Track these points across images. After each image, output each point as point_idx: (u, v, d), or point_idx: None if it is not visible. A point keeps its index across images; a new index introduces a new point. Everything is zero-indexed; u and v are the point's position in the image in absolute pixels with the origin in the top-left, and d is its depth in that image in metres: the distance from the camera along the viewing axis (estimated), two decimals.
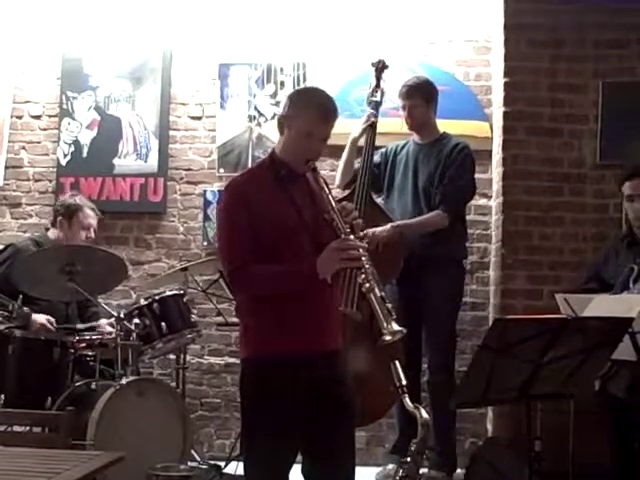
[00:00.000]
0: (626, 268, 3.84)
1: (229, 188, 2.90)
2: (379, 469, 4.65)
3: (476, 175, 4.80)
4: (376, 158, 4.71)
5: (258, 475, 2.83)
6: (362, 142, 4.71)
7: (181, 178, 5.52)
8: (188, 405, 4.80)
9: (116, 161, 5.50)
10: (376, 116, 4.69)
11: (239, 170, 5.02)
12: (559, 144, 4.85)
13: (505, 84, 4.88)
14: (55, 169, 5.54)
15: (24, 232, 5.48)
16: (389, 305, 2.64)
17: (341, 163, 4.79)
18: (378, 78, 4.74)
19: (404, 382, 2.57)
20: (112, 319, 4.36)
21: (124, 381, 4.05)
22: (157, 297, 4.52)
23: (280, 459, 2.80)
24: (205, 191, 5.46)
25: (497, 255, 5.01)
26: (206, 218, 5.41)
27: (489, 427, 5.07)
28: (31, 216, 5.58)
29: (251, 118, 5.46)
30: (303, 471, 2.88)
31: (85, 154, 5.52)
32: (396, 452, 4.51)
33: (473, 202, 5.13)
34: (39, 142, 5.60)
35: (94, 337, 4.40)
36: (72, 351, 4.26)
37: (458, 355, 4.78)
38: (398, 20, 5.33)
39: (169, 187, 5.49)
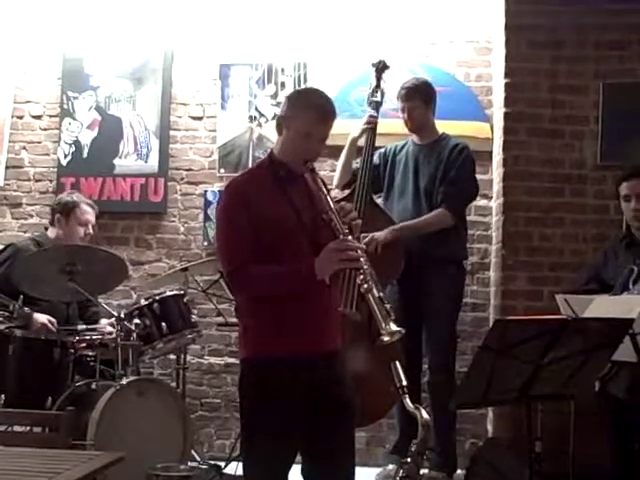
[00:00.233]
0: (626, 269, 3.84)
1: (228, 188, 2.90)
2: (379, 469, 4.65)
3: (477, 176, 4.80)
4: (375, 159, 4.72)
5: (257, 475, 2.83)
6: (361, 142, 4.72)
7: (182, 178, 5.53)
8: (188, 405, 4.80)
9: (117, 161, 5.50)
10: (376, 117, 4.69)
11: (240, 170, 5.02)
12: (560, 145, 4.85)
13: (506, 85, 4.88)
14: (56, 169, 5.55)
15: (24, 232, 5.49)
16: (388, 305, 2.64)
17: (340, 163, 4.80)
18: (378, 78, 4.74)
19: (404, 382, 2.57)
20: (112, 319, 4.36)
21: (124, 381, 4.05)
22: (157, 297, 4.52)
23: (279, 459, 2.80)
24: (206, 191, 5.46)
25: (497, 256, 5.01)
26: (206, 218, 5.41)
27: (489, 428, 5.07)
28: (32, 216, 5.59)
29: (252, 118, 5.46)
30: (303, 472, 2.88)
31: (86, 154, 5.53)
32: (396, 452, 4.51)
33: (473, 203, 5.13)
34: (40, 142, 5.61)
35: (94, 337, 4.40)
36: (72, 351, 4.27)
37: (458, 356, 4.78)
38: (399, 21, 5.34)
39: (170, 187, 5.50)
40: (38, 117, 5.62)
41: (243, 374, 2.87)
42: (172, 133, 5.52)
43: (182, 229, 5.52)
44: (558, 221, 4.82)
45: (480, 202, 5.24)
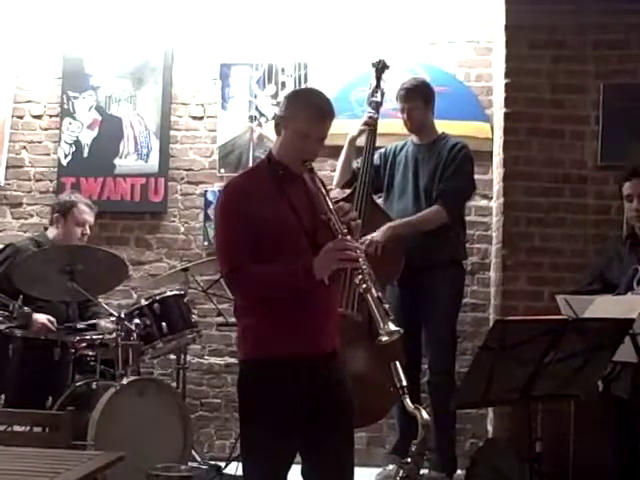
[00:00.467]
0: (630, 269, 3.84)
1: (227, 188, 2.89)
2: (379, 470, 4.64)
3: (477, 176, 4.80)
4: (375, 159, 4.72)
5: (257, 476, 2.82)
6: (361, 142, 4.72)
7: (182, 178, 5.53)
8: (188, 405, 4.80)
9: (117, 161, 5.50)
10: (376, 116, 4.69)
11: (240, 170, 5.02)
12: (560, 145, 4.84)
13: (506, 85, 4.88)
14: (56, 169, 5.55)
15: (25, 232, 5.48)
16: (386, 305, 2.63)
17: (339, 162, 4.80)
18: (378, 78, 4.75)
19: (404, 383, 2.57)
20: (113, 319, 4.36)
21: (125, 381, 4.05)
22: (158, 297, 4.53)
23: (279, 460, 2.80)
24: (206, 191, 5.46)
25: (498, 256, 5.01)
26: (207, 218, 5.41)
27: (489, 428, 5.07)
28: (32, 216, 5.58)
29: (252, 118, 5.46)
30: (302, 472, 2.88)
31: (86, 154, 5.53)
32: (396, 453, 4.51)
33: (473, 203, 5.14)
34: (40, 142, 5.61)
35: (95, 337, 4.40)
36: (73, 351, 4.27)
37: (458, 356, 4.78)
38: (399, 21, 5.34)
39: (170, 187, 5.50)
40: (38, 117, 5.62)
41: (242, 374, 2.87)
42: (172, 133, 5.52)
43: (182, 229, 5.52)
44: (558, 221, 4.82)
45: (480, 202, 5.24)
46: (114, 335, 4.23)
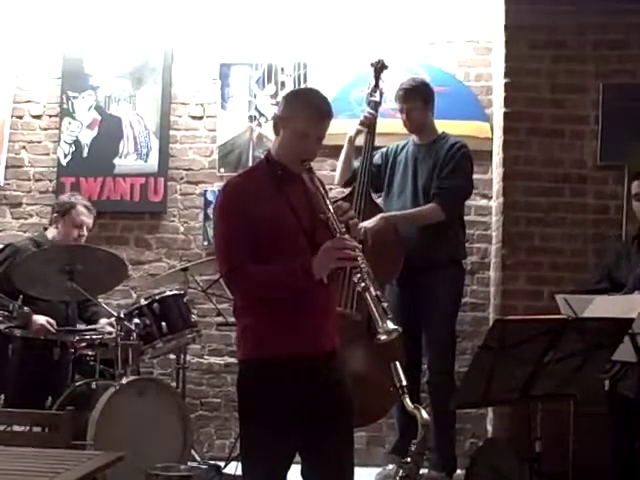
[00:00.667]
0: (638, 268, 3.85)
1: (226, 188, 2.89)
2: (379, 469, 4.64)
3: (476, 176, 4.80)
4: (376, 158, 4.73)
5: (256, 476, 2.82)
6: (360, 141, 4.72)
7: (181, 178, 5.52)
8: (188, 405, 4.80)
9: (116, 161, 5.50)
10: (374, 115, 4.69)
11: (239, 170, 5.02)
12: (560, 145, 4.85)
13: (506, 85, 4.88)
14: (55, 169, 5.55)
15: (24, 232, 5.48)
16: (385, 304, 2.63)
17: (339, 161, 4.80)
18: (377, 78, 4.74)
19: (404, 382, 2.57)
20: (112, 319, 4.36)
21: (124, 381, 4.05)
22: (157, 297, 4.53)
23: (278, 460, 2.80)
24: (205, 191, 5.46)
25: (497, 256, 5.01)
26: (206, 218, 5.41)
27: (489, 428, 5.07)
28: (31, 216, 5.58)
29: (252, 118, 5.46)
30: (302, 472, 2.88)
31: (85, 154, 5.53)
32: (396, 452, 4.51)
33: (473, 203, 5.13)
34: (39, 142, 5.60)
35: (94, 337, 4.40)
36: (72, 351, 4.28)
37: (458, 356, 4.78)
38: (399, 21, 5.33)
39: (169, 187, 5.50)
40: (38, 117, 5.62)
41: (241, 374, 2.86)
42: (172, 133, 5.52)
43: (182, 229, 5.51)
44: (558, 221, 4.82)
45: (480, 202, 5.24)
46: (114, 335, 4.23)
